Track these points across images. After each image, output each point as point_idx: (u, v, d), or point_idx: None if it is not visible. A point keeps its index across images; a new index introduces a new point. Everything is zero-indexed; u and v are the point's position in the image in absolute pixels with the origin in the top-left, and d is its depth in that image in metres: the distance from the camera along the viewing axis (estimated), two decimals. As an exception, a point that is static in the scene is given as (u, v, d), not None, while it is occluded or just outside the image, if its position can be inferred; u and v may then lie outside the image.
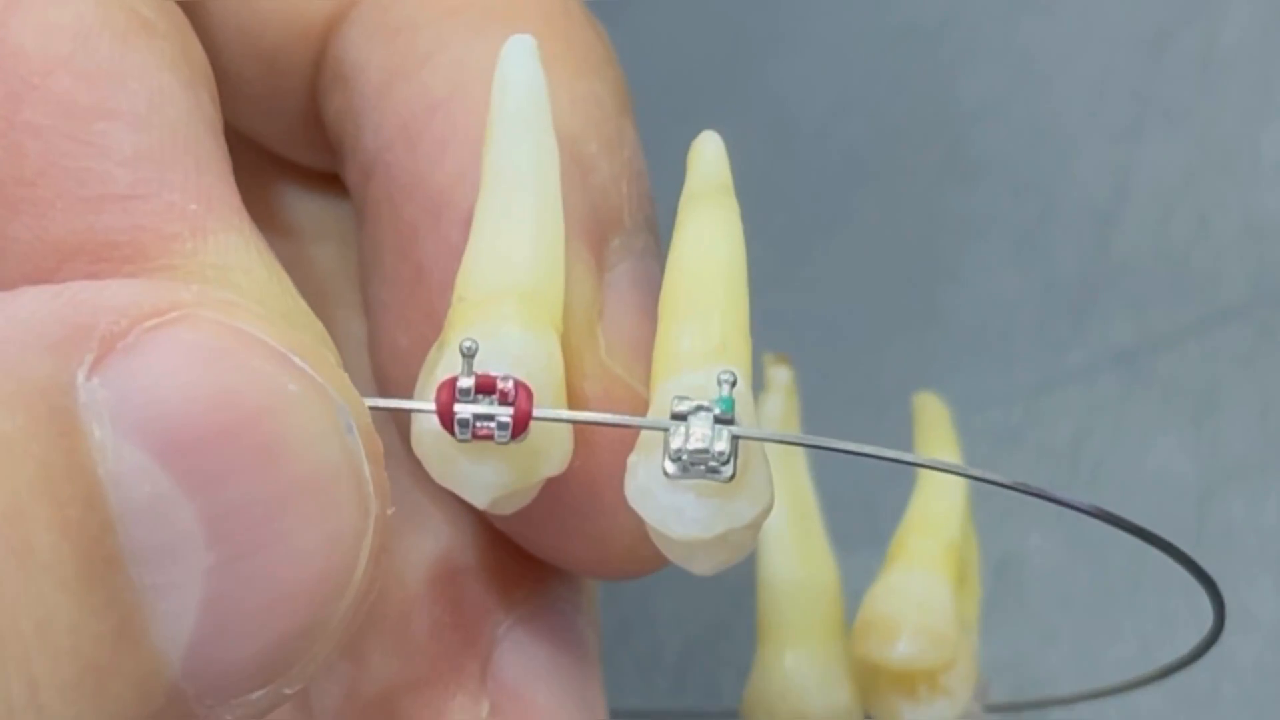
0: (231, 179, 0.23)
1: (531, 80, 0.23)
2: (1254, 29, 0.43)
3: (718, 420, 0.22)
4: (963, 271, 0.41)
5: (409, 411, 0.23)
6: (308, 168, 0.28)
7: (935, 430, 0.30)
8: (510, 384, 0.22)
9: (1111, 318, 0.40)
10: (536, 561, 0.26)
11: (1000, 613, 0.37)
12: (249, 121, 0.27)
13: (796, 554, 0.29)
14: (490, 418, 0.22)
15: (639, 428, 0.22)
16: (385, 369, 0.26)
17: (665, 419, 0.22)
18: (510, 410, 0.22)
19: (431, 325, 0.24)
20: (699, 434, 0.22)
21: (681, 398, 0.22)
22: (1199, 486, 0.38)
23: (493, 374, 0.22)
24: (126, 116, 0.23)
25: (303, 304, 0.23)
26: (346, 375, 0.21)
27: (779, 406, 0.29)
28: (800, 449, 0.29)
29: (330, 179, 0.28)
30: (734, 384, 0.22)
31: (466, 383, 0.22)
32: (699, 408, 0.22)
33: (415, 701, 0.25)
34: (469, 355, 0.22)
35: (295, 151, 0.28)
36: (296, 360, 0.20)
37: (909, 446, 0.30)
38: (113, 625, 0.19)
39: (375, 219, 0.25)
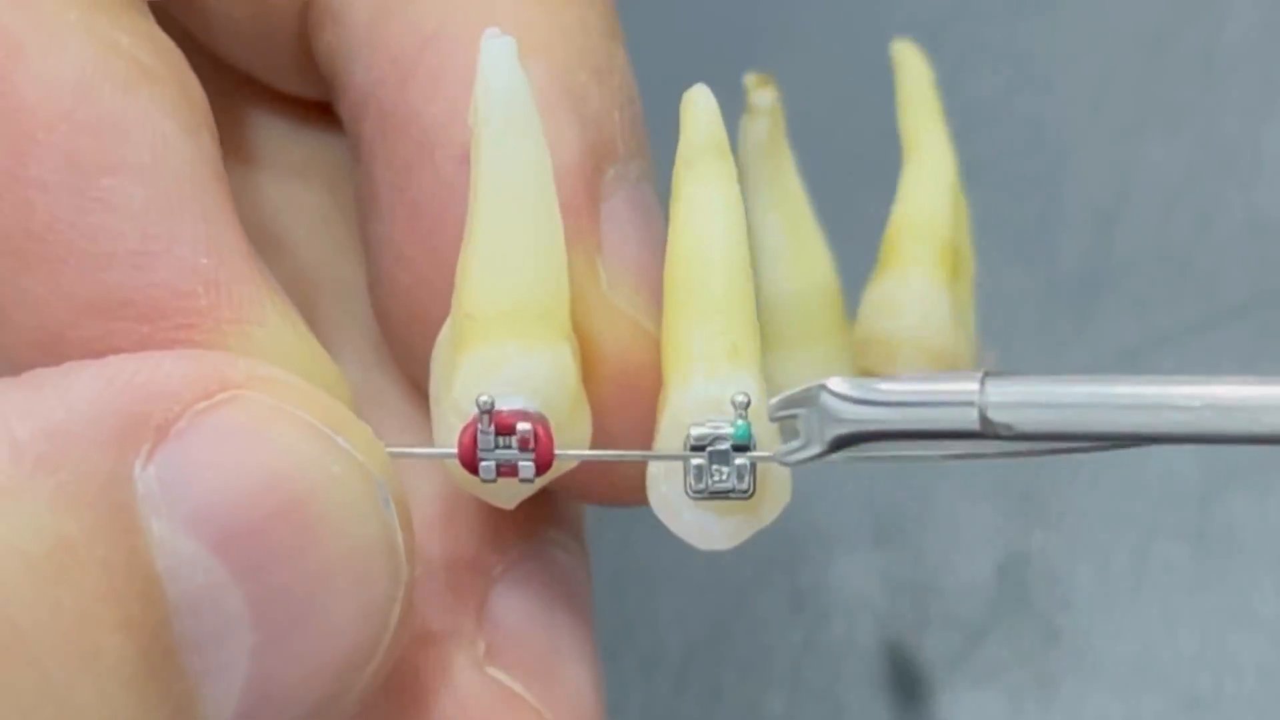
0: (238, 223, 0.23)
1: (514, 84, 0.23)
2: (1254, 29, 0.43)
3: (734, 448, 0.22)
4: (964, 271, 0.41)
5: (430, 457, 0.23)
6: (303, 99, 0.28)
7: (918, 94, 0.29)
8: (529, 426, 0.22)
9: (1113, 317, 0.40)
10: (532, 506, 0.26)
11: (1002, 613, 0.37)
12: (241, 57, 0.27)
13: (793, 263, 0.29)
14: (513, 464, 0.22)
15: (658, 460, 0.23)
16: (386, 306, 0.25)
17: (684, 450, 0.22)
18: (531, 458, 0.22)
19: (431, 262, 0.24)
20: (717, 469, 0.22)
21: (698, 424, 0.22)
22: (1201, 486, 0.38)
23: (508, 415, 0.22)
24: (131, 170, 0.22)
25: (316, 346, 0.23)
26: (375, 439, 0.22)
27: (763, 130, 0.29)
28: (787, 156, 0.29)
29: (326, 111, 0.27)
30: (748, 404, 0.22)
31: (487, 439, 0.22)
32: (715, 438, 0.22)
33: (410, 641, 0.25)
34: (486, 410, 0.22)
35: (289, 84, 0.27)
36: (339, 440, 0.21)
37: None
38: (167, 715, 0.20)
39: (370, 156, 0.25)
